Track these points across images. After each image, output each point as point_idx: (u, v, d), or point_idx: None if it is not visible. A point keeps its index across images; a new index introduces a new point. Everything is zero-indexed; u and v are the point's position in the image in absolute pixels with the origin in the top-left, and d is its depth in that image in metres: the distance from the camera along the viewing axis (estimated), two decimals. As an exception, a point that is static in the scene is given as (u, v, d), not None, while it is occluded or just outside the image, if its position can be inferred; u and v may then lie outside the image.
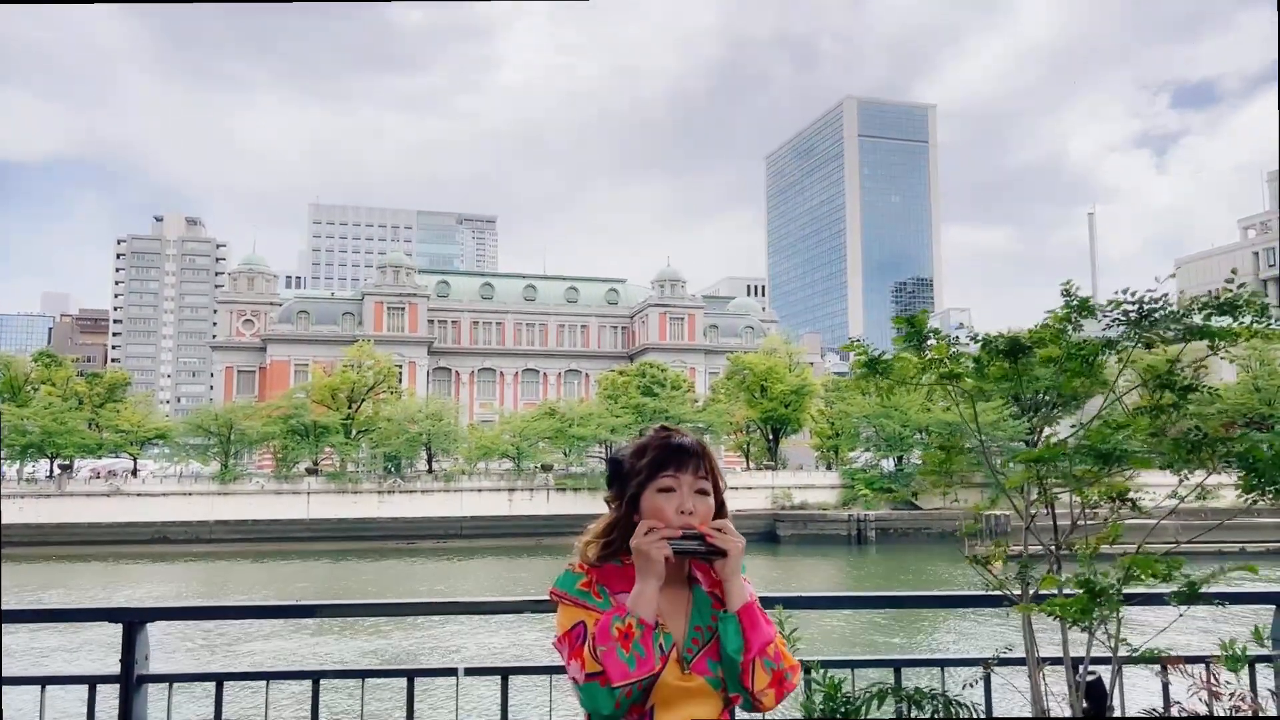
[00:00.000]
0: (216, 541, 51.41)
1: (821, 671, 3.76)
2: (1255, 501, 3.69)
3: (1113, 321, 3.91)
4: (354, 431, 61.09)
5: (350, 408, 61.76)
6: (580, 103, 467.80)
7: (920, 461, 59.32)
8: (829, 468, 64.17)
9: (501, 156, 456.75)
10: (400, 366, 74.06)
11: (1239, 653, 3.80)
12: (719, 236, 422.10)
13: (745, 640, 2.08)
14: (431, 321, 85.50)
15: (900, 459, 58.81)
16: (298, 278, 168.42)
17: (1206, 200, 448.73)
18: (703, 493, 2.21)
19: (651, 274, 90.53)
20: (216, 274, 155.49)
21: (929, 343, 4.04)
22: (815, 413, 64.21)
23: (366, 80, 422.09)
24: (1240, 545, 36.34)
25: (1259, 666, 4.01)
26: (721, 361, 77.32)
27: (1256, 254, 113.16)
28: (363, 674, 3.81)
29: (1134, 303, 3.99)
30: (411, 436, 59.76)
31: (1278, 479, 3.64)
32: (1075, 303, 4.11)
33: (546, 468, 60.66)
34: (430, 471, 61.33)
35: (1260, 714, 3.80)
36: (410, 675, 3.63)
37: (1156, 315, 3.77)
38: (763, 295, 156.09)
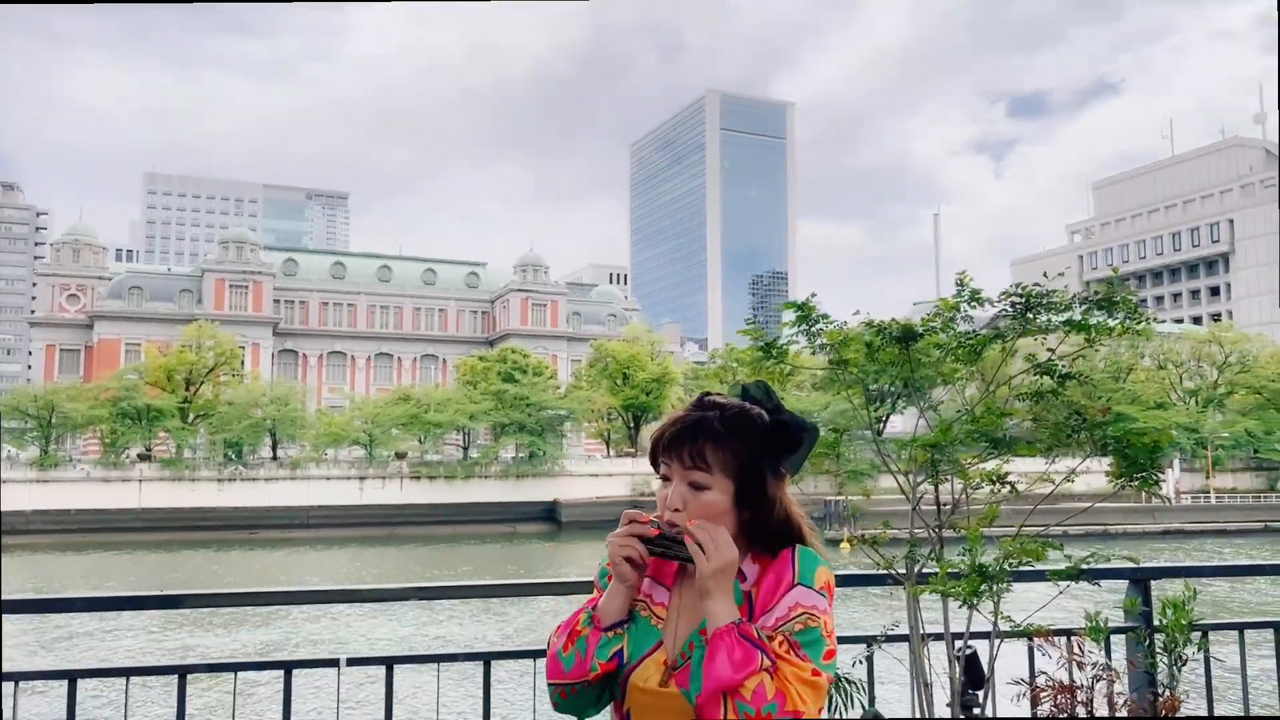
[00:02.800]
0: (34, 533, 47.63)
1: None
2: (1124, 486, 3.90)
3: (1001, 312, 4.07)
4: (191, 416, 57.86)
5: (188, 390, 58.43)
6: (440, 78, 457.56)
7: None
8: (687, 455, 65.08)
9: (355, 131, 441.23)
10: (243, 348, 70.61)
11: (1100, 625, 4.04)
12: (583, 223, 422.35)
13: (702, 674, 1.64)
14: (278, 301, 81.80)
15: (755, 446, 60.37)
16: (130, 251, 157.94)
17: (1038, 205, 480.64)
18: (696, 486, 1.75)
19: (513, 258, 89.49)
20: (36, 244, 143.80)
21: (818, 328, 4.09)
22: (676, 400, 65.12)
23: (206, 41, 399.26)
24: (1103, 527, 39.15)
25: (1118, 637, 4.23)
26: (584, 349, 77.30)
27: (1081, 257, 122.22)
28: (235, 667, 3.51)
29: (1021, 296, 4.17)
30: (255, 422, 57.09)
31: (1146, 466, 3.86)
32: (966, 293, 4.26)
33: (400, 455, 59.17)
34: (275, 459, 58.77)
35: (1114, 679, 4.06)
36: (288, 668, 3.37)
37: (1042, 307, 3.94)
38: (625, 284, 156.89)
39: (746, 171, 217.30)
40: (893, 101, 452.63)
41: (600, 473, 60.38)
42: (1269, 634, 4.17)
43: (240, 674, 3.51)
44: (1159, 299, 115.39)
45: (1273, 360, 67.21)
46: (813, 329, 3.99)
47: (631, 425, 65.67)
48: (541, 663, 3.65)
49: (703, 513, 1.74)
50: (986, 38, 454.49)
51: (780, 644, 1.65)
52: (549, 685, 1.82)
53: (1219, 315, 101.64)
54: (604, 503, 56.91)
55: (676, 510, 1.76)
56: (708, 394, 1.86)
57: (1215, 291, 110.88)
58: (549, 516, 56.42)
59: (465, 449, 62.50)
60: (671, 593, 1.81)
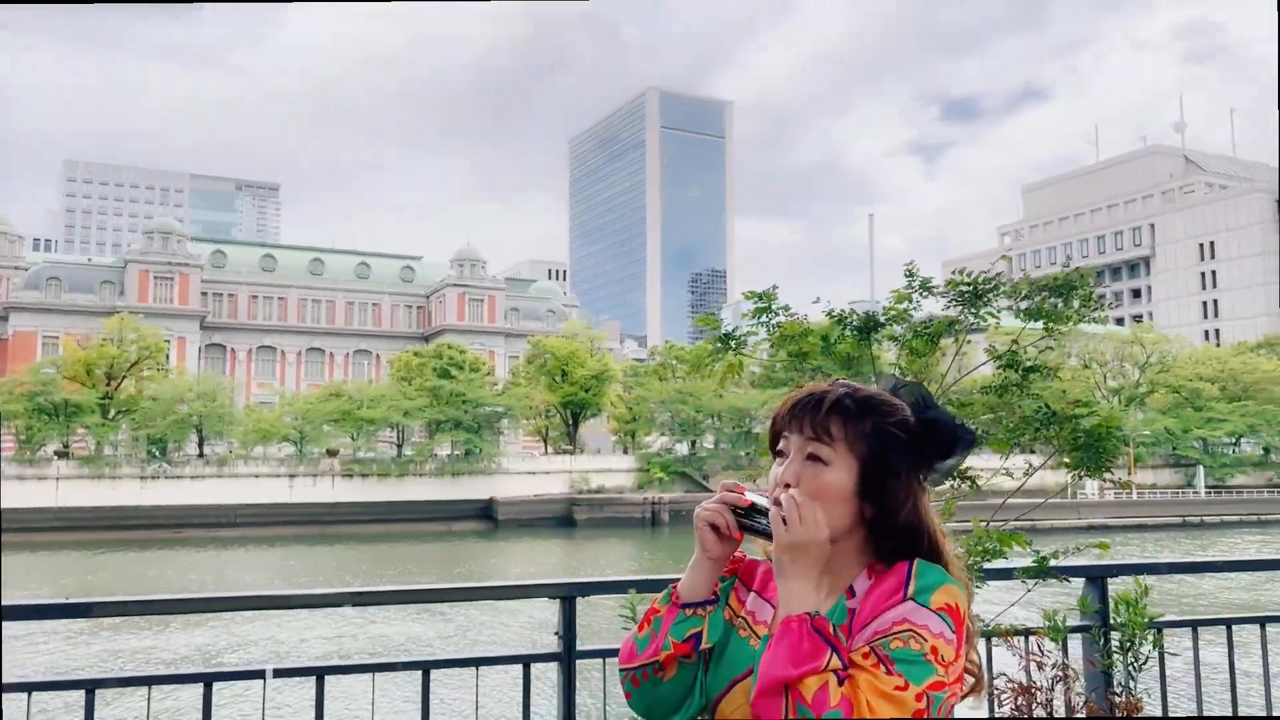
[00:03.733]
0: (-58, 533, 45.52)
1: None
2: (1081, 479, 3.84)
3: (951, 301, 3.99)
4: (113, 412, 55.88)
5: (109, 385, 56.40)
6: (376, 69, 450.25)
7: (712, 446, 61.60)
8: (626, 452, 65.17)
9: (287, 121, 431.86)
10: (168, 342, 68.39)
11: (1059, 624, 3.98)
12: (522, 218, 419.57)
13: (760, 667, 1.42)
14: (205, 294, 79.59)
15: (694, 443, 60.64)
16: (48, 241, 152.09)
17: (969, 207, 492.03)
18: (815, 459, 1.51)
19: (450, 252, 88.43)
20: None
21: (776, 320, 3.96)
22: (614, 398, 64.99)
23: (128, 24, 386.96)
24: (1031, 522, 40.01)
25: (1075, 636, 4.18)
26: (522, 345, 76.68)
27: (1010, 259, 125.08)
28: (149, 681, 3.22)
29: (969, 283, 4.09)
30: (180, 418, 55.38)
31: (1104, 460, 3.81)
32: (917, 282, 4.17)
33: (332, 452, 57.98)
34: (201, 456, 57.13)
35: (1073, 679, 4.00)
36: (208, 680, 3.09)
37: (991, 294, 3.88)
38: (564, 280, 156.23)
39: (686, 169, 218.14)
40: (829, 103, 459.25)
41: (538, 470, 59.95)
42: (1221, 631, 4.15)
43: (155, 688, 3.23)
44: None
45: (1190, 361, 69.70)
46: (772, 321, 3.86)
47: (570, 423, 65.36)
48: (485, 670, 3.46)
49: (817, 492, 1.49)
50: (920, 42, 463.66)
51: (866, 656, 1.39)
52: (620, 672, 1.61)
53: (1140, 316, 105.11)
54: (541, 501, 56.53)
55: (787, 486, 1.51)
56: (841, 379, 1.65)
57: (1137, 294, 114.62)
58: (485, 515, 55.83)
59: (399, 446, 61.53)
60: (776, 611, 1.53)
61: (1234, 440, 66.34)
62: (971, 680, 1.51)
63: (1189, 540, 43.41)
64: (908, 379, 1.68)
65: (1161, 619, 3.98)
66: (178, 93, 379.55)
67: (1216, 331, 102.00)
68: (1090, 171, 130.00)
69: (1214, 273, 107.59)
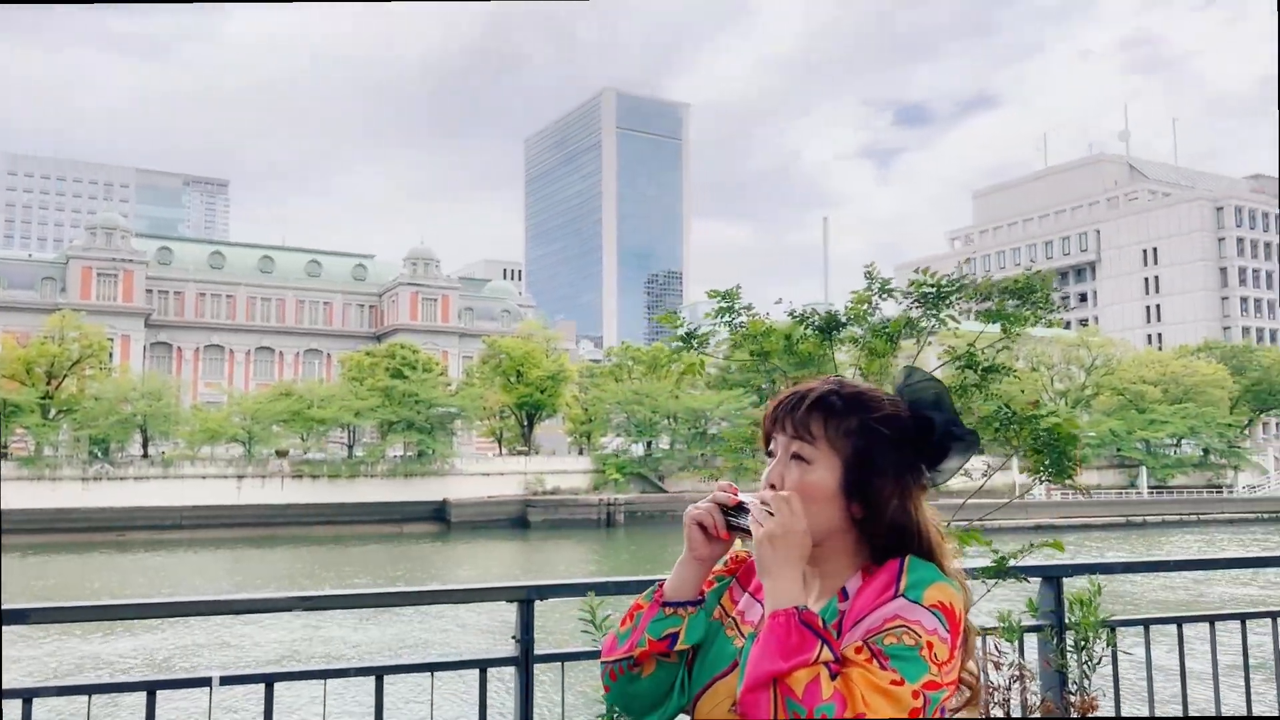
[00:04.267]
0: (-128, 537, 43.93)
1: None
2: (1040, 479, 3.88)
3: (912, 302, 4.00)
4: (53, 411, 54.40)
5: (49, 384, 54.90)
6: (327, 65, 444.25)
7: (668, 446, 61.71)
8: (581, 453, 65.00)
9: (237, 116, 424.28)
10: (112, 340, 66.91)
11: (1015, 625, 4.00)
12: (477, 217, 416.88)
13: (748, 662, 1.37)
14: (151, 291, 77.87)
15: (650, 444, 60.69)
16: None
17: (921, 212, 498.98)
18: (799, 459, 1.48)
19: (403, 251, 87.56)
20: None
21: (740, 320, 3.94)
22: (570, 398, 64.79)
23: (75, 14, 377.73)
24: (981, 522, 40.56)
25: (1031, 635, 4.21)
26: (477, 345, 76.11)
27: (960, 263, 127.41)
28: (89, 689, 3.09)
29: (932, 284, 4.11)
30: (123, 417, 54.11)
31: (1060, 460, 3.84)
32: (878, 284, 4.18)
33: (282, 453, 57.06)
34: (146, 456, 55.88)
35: (1029, 679, 4.03)
36: (151, 689, 2.97)
37: (954, 294, 3.90)
38: (520, 280, 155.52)
39: (642, 170, 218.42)
40: (784, 106, 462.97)
41: (492, 472, 59.56)
42: (1172, 629, 4.20)
43: (97, 696, 3.11)
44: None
45: (1134, 364, 71.38)
46: (735, 320, 3.84)
47: (525, 423, 65.02)
48: (441, 675, 3.39)
49: (801, 491, 1.46)
50: (873, 48, 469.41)
51: (859, 650, 1.34)
52: (600, 665, 1.56)
53: (1086, 320, 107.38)
54: (495, 502, 56.18)
55: (772, 486, 1.49)
56: (838, 377, 1.60)
57: (1084, 298, 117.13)
58: (438, 516, 55.32)
59: (350, 447, 60.74)
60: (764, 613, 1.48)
61: (1175, 441, 68.04)
62: (968, 693, 1.46)
63: (1134, 540, 44.41)
64: (925, 374, 1.60)
65: (1114, 618, 4.02)
66: (124, 86, 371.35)
67: (1159, 335, 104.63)
68: (1038, 178, 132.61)
69: (1156, 278, 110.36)
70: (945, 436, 1.50)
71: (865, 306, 3.86)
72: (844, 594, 1.46)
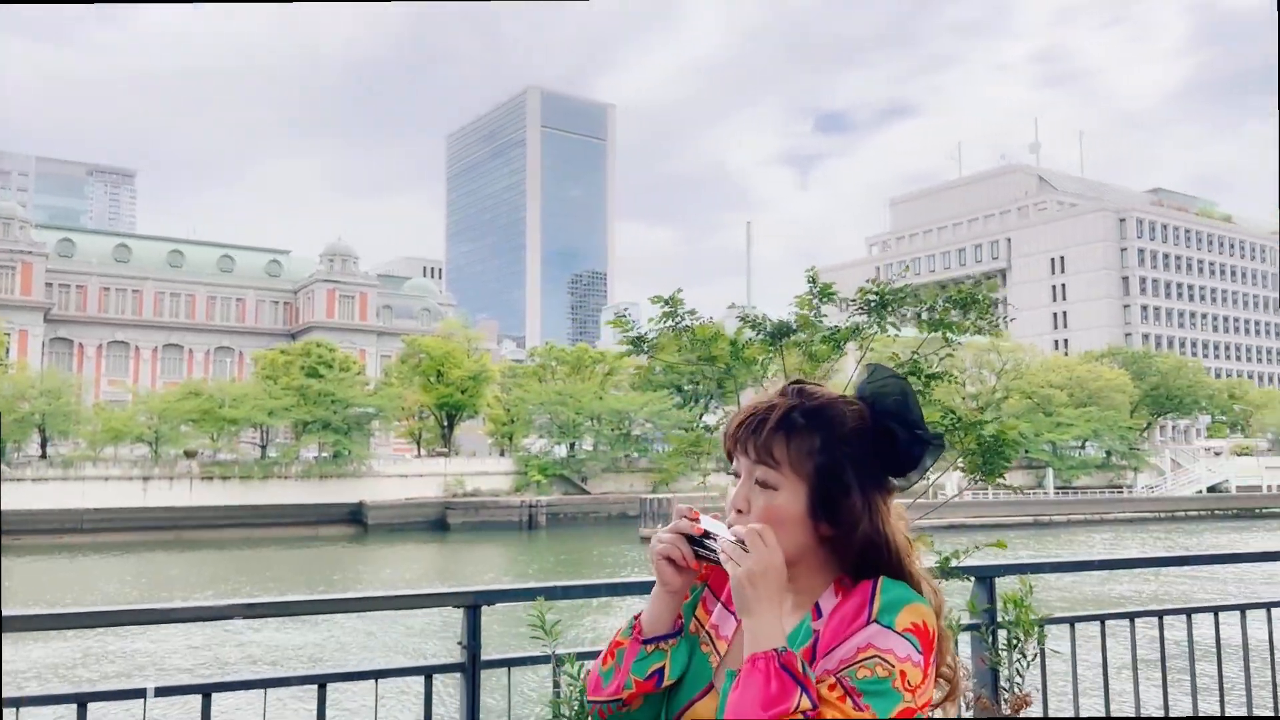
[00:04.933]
0: None
1: (576, 665, 3.48)
2: (977, 482, 3.99)
3: (858, 309, 4.08)
4: (-56, 409, 51.70)
5: (-60, 381, 52.20)
6: (242, 56, 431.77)
7: (592, 448, 61.61)
8: (503, 454, 64.44)
9: (147, 105, 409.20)
10: (8, 335, 63.84)
11: (954, 623, 4.09)
12: (397, 214, 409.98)
13: (725, 709, 1.36)
14: (51, 285, 74.71)
15: (573, 445, 60.50)
16: None
17: (840, 217, 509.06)
18: (765, 485, 1.45)
19: (320, 247, 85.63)
20: None
21: (684, 324, 3.95)
22: (492, 399, 64.18)
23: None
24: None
25: (964, 634, 4.29)
26: (396, 344, 74.90)
27: (878, 268, 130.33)
28: (16, 702, 2.91)
29: (876, 292, 4.19)
30: (20, 416, 51.66)
31: (996, 464, 3.95)
32: (819, 290, 4.24)
33: (190, 454, 55.21)
34: (44, 457, 53.46)
35: (964, 676, 4.13)
36: (82, 701, 2.82)
37: (897, 303, 3.98)
38: (440, 278, 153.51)
39: (567, 170, 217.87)
40: (707, 111, 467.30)
41: (410, 473, 58.61)
42: (1096, 626, 4.34)
43: (22, 710, 2.94)
44: (924, 305, 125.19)
45: (1042, 368, 74.02)
46: (679, 325, 3.85)
47: (445, 424, 64.18)
48: (385, 683, 3.30)
49: (768, 517, 1.43)
50: (795, 55, 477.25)
51: (832, 688, 1.32)
52: (588, 703, 1.57)
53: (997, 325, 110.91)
54: (414, 504, 55.34)
55: (739, 511, 1.46)
56: (799, 381, 1.54)
57: (995, 304, 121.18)
58: (355, 519, 54.23)
59: (263, 448, 59.10)
60: (739, 625, 1.47)
61: (1080, 444, 70.77)
62: (946, 687, 1.46)
63: (1043, 539, 46.00)
64: (888, 371, 1.56)
65: (1044, 617, 4.13)
66: (23, 69, 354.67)
67: (1065, 341, 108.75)
68: (953, 187, 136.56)
69: (1063, 285, 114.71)
70: (911, 444, 1.47)
71: (812, 313, 3.92)
72: (817, 610, 1.45)
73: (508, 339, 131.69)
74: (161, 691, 2.83)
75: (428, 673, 3.24)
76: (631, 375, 67.00)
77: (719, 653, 1.50)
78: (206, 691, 2.89)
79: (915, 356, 4.12)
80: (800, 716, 1.28)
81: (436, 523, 54.16)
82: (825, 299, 4.24)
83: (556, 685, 3.42)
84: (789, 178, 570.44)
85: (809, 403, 1.47)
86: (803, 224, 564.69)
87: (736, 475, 1.50)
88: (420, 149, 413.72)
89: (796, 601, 1.46)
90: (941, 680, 1.44)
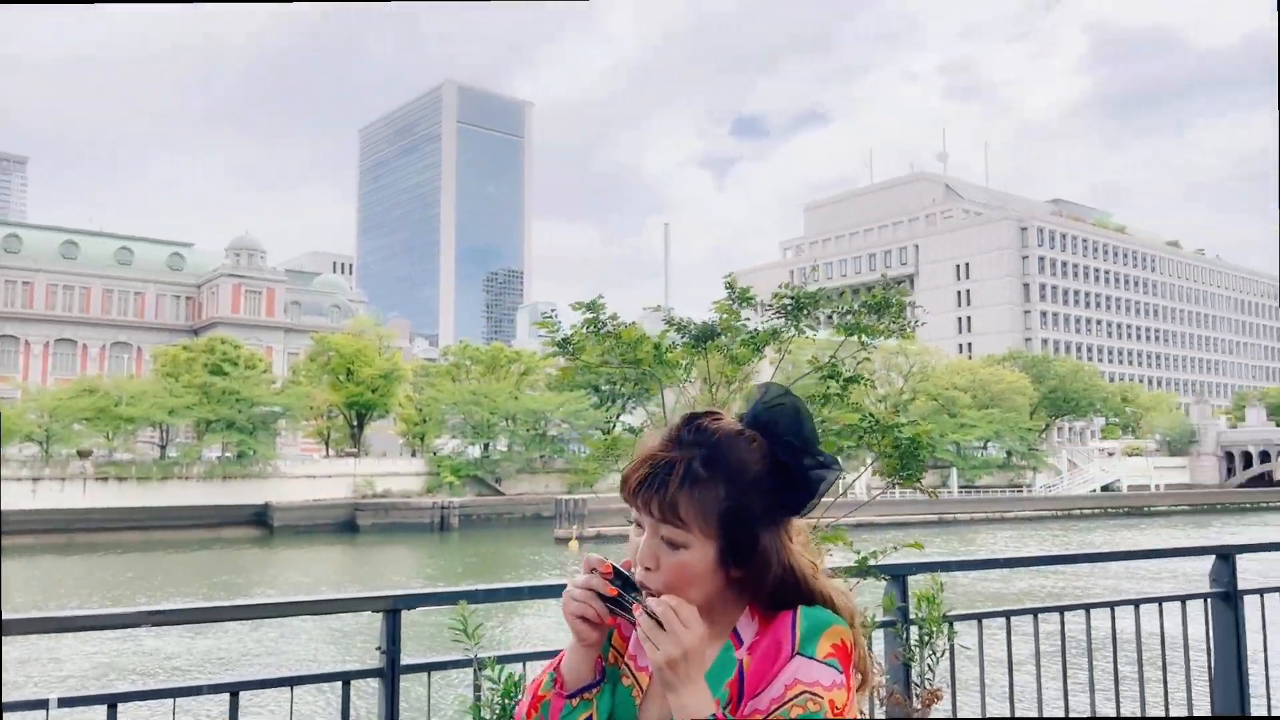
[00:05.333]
0: None
1: (498, 668, 3.46)
2: (894, 484, 4.10)
3: (775, 313, 4.15)
4: None
5: None
6: (145, 41, 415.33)
7: (506, 448, 61.12)
8: (414, 455, 63.46)
9: (41, 88, 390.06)
10: (-117, 327, 60.25)
11: (869, 621, 4.18)
12: (306, 208, 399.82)
13: None
14: (-68, 275, 70.79)
15: (487, 446, 59.94)
16: None
17: (756, 220, 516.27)
18: (673, 545, 1.42)
19: (226, 241, 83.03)
20: None
21: (607, 329, 3.97)
22: (403, 398, 63.13)
23: None
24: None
25: (880, 631, 4.39)
26: (304, 341, 73.04)
27: (792, 272, 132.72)
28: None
29: (792, 297, 4.27)
30: (-103, 413, 48.81)
31: (911, 466, 4.07)
32: (737, 294, 4.31)
33: (84, 453, 52.89)
34: (-77, 457, 50.60)
35: (878, 673, 4.23)
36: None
37: (813, 306, 4.07)
38: (351, 274, 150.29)
39: (483, 167, 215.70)
40: (626, 112, 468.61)
41: (318, 474, 57.26)
42: (1002, 621, 4.49)
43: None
44: (840, 309, 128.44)
45: (947, 371, 76.44)
46: (601, 329, 3.86)
47: (354, 424, 62.87)
48: (300, 690, 3.22)
49: (677, 575, 1.42)
50: (713, 59, 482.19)
51: None
52: None
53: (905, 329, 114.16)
54: (322, 505, 54.12)
55: (648, 569, 1.43)
56: (696, 416, 1.49)
57: (907, 308, 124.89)
58: (259, 521, 52.72)
59: (163, 447, 57.01)
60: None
61: (982, 444, 73.28)
62: (859, 678, 1.46)
63: (948, 537, 47.45)
64: (779, 390, 1.54)
65: (952, 613, 4.25)
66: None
67: (969, 345, 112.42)
68: (864, 193, 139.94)
69: (968, 291, 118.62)
70: (807, 480, 1.46)
71: (733, 318, 3.98)
72: (737, 637, 1.45)
73: (420, 337, 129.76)
74: (65, 702, 2.72)
75: (346, 679, 3.19)
76: (548, 375, 66.80)
77: (640, 686, 1.50)
78: (112, 702, 2.79)
79: (833, 360, 4.22)
80: None
81: (345, 524, 53.06)
82: (744, 304, 4.29)
83: (478, 689, 3.40)
84: (706, 180, 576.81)
85: (707, 449, 1.43)
86: (720, 226, 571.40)
87: (638, 525, 1.46)
88: (332, 142, 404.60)
89: (714, 631, 1.44)
90: (855, 671, 1.45)
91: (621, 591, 1.42)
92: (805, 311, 4.27)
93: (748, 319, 4.20)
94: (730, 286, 4.42)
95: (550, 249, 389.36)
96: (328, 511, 53.80)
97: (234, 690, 2.97)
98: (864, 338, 4.16)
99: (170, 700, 2.95)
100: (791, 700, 1.34)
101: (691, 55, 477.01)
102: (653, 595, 1.40)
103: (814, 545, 1.55)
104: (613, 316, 4.12)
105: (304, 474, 56.78)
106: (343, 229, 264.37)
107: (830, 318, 4.21)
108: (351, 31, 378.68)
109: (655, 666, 1.36)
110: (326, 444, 65.06)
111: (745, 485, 1.42)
